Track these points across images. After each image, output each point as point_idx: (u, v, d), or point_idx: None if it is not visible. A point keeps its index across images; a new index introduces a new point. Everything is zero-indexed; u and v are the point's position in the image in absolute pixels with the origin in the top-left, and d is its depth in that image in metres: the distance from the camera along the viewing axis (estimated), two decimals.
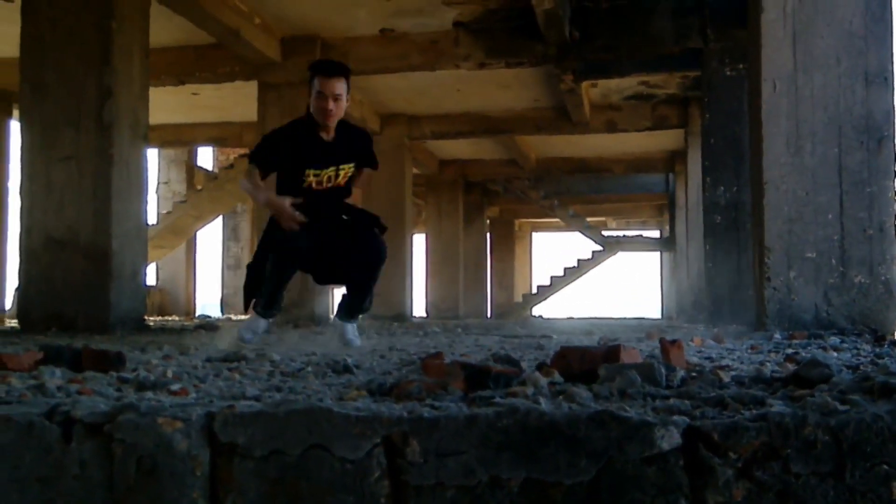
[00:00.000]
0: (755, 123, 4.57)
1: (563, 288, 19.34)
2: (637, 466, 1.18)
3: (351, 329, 3.97)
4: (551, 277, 19.40)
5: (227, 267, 15.69)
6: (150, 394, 1.70)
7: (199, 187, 14.03)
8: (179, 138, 12.66)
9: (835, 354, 2.71)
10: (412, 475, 1.24)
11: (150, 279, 13.66)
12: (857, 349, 2.97)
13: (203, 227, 14.28)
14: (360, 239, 3.95)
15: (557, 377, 1.68)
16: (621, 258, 19.62)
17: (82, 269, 5.35)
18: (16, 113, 9.07)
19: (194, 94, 10.41)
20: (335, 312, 4.11)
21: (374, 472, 1.25)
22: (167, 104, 10.55)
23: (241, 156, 13.36)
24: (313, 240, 3.80)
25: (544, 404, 1.34)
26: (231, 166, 13.60)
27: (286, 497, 1.26)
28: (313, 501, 1.25)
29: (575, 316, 17.53)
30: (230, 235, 15.80)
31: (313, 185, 3.86)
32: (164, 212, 13.81)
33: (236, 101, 10.48)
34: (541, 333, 5.36)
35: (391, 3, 7.64)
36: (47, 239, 5.44)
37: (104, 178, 5.39)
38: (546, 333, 5.33)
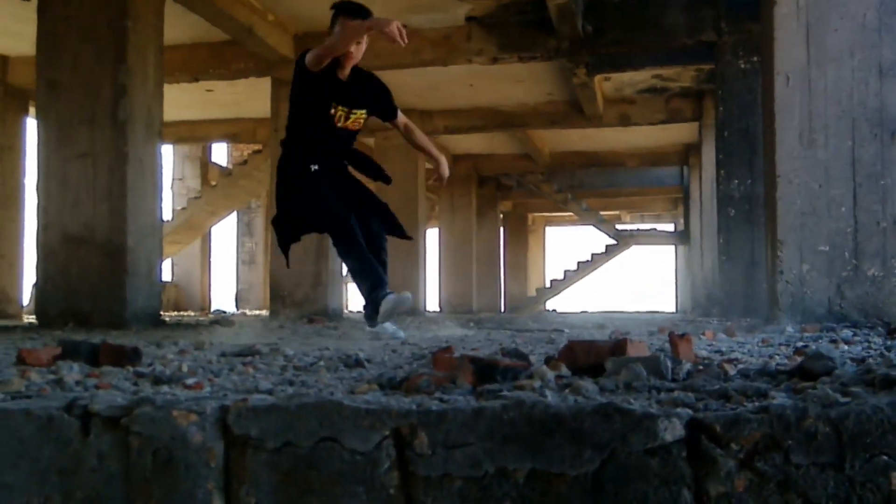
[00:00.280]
0: (768, 117, 4.56)
1: (576, 282, 19.32)
2: (640, 457, 1.20)
3: (390, 326, 4.04)
4: (565, 271, 19.38)
5: (242, 262, 15.80)
6: (165, 388, 1.74)
7: (213, 183, 14.13)
8: (194, 135, 12.76)
9: (845, 347, 2.71)
10: (420, 466, 1.26)
11: (166, 275, 13.78)
12: (869, 342, 2.97)
13: (217, 222, 14.39)
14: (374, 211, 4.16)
15: (565, 370, 1.70)
16: (635, 252, 19.59)
17: (98, 265, 5.42)
18: (32, 110, 9.19)
19: (208, 90, 10.48)
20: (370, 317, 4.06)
21: (383, 463, 1.27)
22: (182, 101, 10.63)
23: (255, 152, 13.44)
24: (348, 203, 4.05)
25: (550, 397, 1.36)
26: (245, 162, 13.69)
27: (298, 488, 1.29)
28: (324, 492, 1.28)
29: (589, 310, 17.53)
30: (244, 231, 15.90)
31: (336, 120, 4.04)
32: (179, 208, 13.92)
33: (250, 97, 10.54)
34: (553, 327, 5.38)
35: None
36: (64, 236, 5.51)
37: (119, 175, 5.46)
38: (558, 327, 5.34)
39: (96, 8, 5.54)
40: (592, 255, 19.00)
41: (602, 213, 19.23)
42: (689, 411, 1.23)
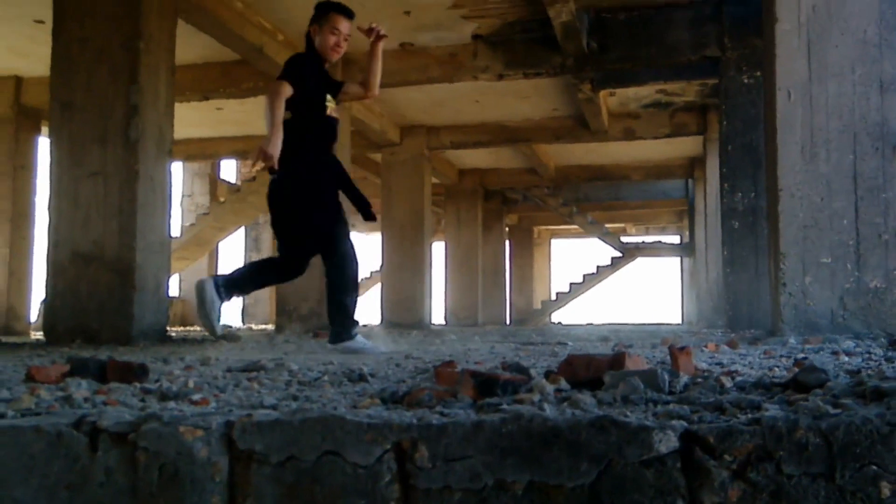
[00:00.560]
0: (770, 132, 4.60)
1: (582, 294, 19.32)
2: (636, 469, 1.22)
3: (352, 344, 4.11)
4: (570, 284, 19.39)
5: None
6: (172, 403, 1.77)
7: (222, 199, 14.23)
8: (203, 152, 12.87)
9: (846, 359, 2.73)
10: (421, 479, 1.29)
11: (173, 290, 13.85)
12: (870, 353, 2.98)
13: (225, 238, 14.47)
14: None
15: (564, 384, 1.73)
16: (641, 264, 19.58)
17: (107, 282, 5.47)
18: (44, 130, 9.30)
19: (218, 108, 10.59)
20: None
21: (384, 476, 1.30)
22: (192, 119, 10.74)
23: (264, 168, 13.51)
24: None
25: (549, 410, 1.39)
26: (254, 178, 13.78)
27: (301, 501, 1.32)
28: None
29: (594, 322, 17.51)
30: (252, 246, 15.97)
31: (330, 112, 4.28)
32: (188, 224, 14.02)
33: (259, 114, 10.61)
34: (557, 340, 5.39)
35: (411, 18, 7.74)
36: (73, 253, 5.57)
37: (130, 194, 5.52)
38: (562, 340, 5.36)
39: (110, 30, 5.63)
40: (598, 267, 19.01)
41: (607, 225, 19.25)
42: (684, 423, 1.25)
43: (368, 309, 21.27)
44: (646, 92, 10.37)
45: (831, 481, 1.17)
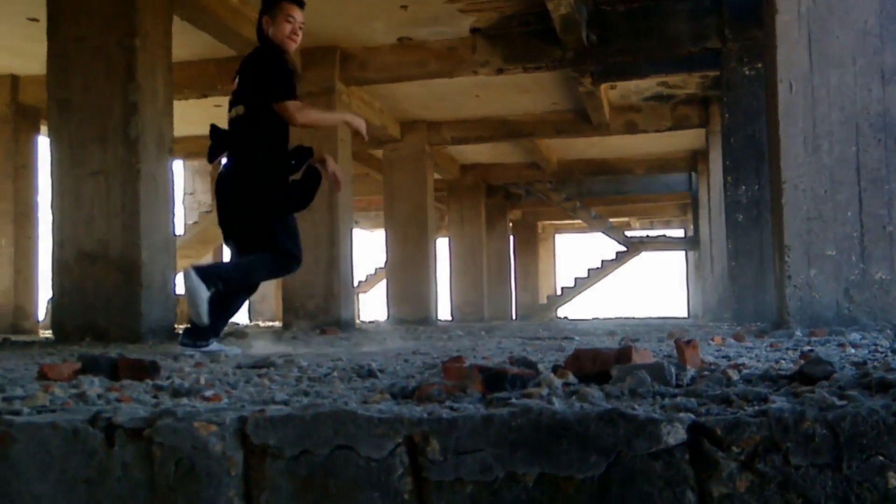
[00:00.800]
0: (772, 124, 4.60)
1: (587, 289, 19.33)
2: (645, 461, 1.24)
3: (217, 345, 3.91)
4: (575, 279, 19.40)
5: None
6: (185, 400, 1.79)
7: None
8: (204, 149, 12.80)
9: (852, 350, 2.75)
10: (433, 472, 1.31)
11: (179, 288, 13.87)
12: (876, 345, 3.00)
13: None
14: None
15: (571, 378, 1.75)
16: (646, 258, 19.58)
17: (113, 280, 5.49)
18: (43, 129, 9.31)
19: (217, 105, 10.59)
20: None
21: (397, 469, 1.32)
22: (191, 117, 10.74)
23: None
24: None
25: (557, 404, 1.41)
26: None
27: (316, 494, 1.34)
28: (341, 498, 1.33)
29: (600, 316, 17.51)
30: None
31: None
32: (191, 222, 14.04)
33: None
34: (563, 335, 5.41)
35: (408, 12, 7.74)
36: (79, 252, 5.59)
37: (132, 192, 5.54)
38: (568, 335, 5.38)
39: (105, 28, 5.63)
40: (602, 261, 19.01)
41: (611, 220, 19.24)
42: (692, 416, 1.27)
43: (374, 305, 21.30)
44: (647, 85, 10.36)
45: (838, 472, 1.18)
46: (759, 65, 7.19)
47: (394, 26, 8.11)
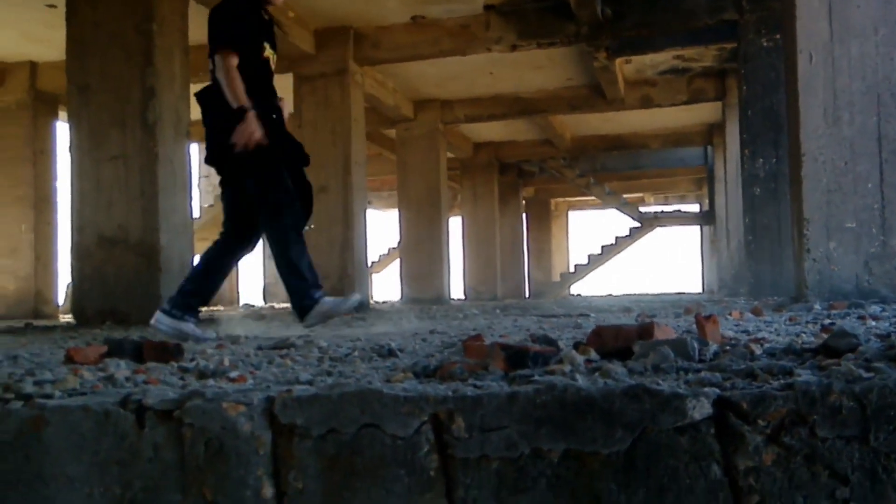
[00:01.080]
0: (792, 95, 4.55)
1: (601, 266, 19.28)
2: (670, 435, 1.25)
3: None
4: (589, 256, 19.34)
5: (268, 256, 15.97)
6: (211, 381, 1.82)
7: None
8: None
9: (873, 323, 2.73)
10: (459, 449, 1.33)
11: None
12: None
13: None
14: None
15: (593, 355, 1.75)
16: (661, 233, 19.49)
17: (133, 264, 5.55)
18: (62, 115, 9.37)
19: None
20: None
21: (423, 447, 1.34)
22: None
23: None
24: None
25: (581, 380, 1.41)
26: None
27: (343, 472, 1.36)
28: (368, 475, 1.34)
29: (614, 293, 17.50)
30: None
31: (270, 60, 3.97)
32: (207, 205, 14.11)
33: None
34: (579, 312, 5.41)
35: None
36: (99, 237, 5.65)
37: (150, 176, 5.58)
38: (584, 312, 5.38)
39: (123, 13, 5.66)
40: (616, 238, 18.94)
41: (625, 195, 19.13)
42: (717, 390, 1.28)
43: (388, 285, 21.36)
44: (662, 58, 10.26)
45: (865, 443, 1.18)
46: (778, 36, 7.09)
47: (407, 4, 8.06)
